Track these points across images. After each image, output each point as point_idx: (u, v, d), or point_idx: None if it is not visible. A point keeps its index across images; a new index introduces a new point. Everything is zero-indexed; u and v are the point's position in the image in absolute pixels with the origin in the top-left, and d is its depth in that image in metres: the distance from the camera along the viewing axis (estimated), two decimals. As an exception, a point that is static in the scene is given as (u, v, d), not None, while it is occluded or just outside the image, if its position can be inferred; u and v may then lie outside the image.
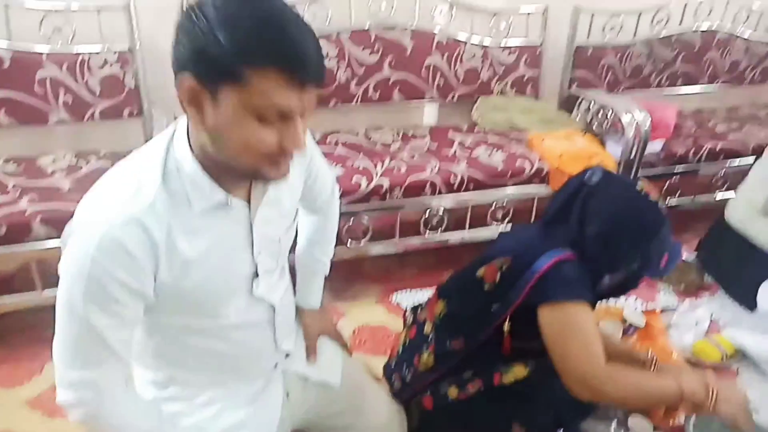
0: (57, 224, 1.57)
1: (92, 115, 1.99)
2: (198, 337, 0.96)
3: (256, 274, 0.96)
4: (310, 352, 1.20)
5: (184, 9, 0.74)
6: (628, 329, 1.62)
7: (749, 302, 2.00)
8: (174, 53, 0.74)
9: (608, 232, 1.18)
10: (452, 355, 1.30)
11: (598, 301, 1.36)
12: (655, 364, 1.40)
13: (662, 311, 1.93)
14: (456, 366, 1.31)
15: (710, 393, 1.12)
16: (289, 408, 1.12)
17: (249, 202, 0.91)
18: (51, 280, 1.64)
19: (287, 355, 1.12)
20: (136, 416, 0.92)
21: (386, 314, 1.94)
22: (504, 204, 2.11)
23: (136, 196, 0.79)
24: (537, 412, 1.29)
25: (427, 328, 1.38)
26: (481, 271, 1.27)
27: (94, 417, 0.86)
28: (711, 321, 1.88)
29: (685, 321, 1.84)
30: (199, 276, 0.87)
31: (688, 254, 2.30)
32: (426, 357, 1.35)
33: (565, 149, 2.16)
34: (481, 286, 1.26)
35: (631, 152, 2.21)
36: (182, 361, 0.99)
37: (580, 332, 1.13)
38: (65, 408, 0.86)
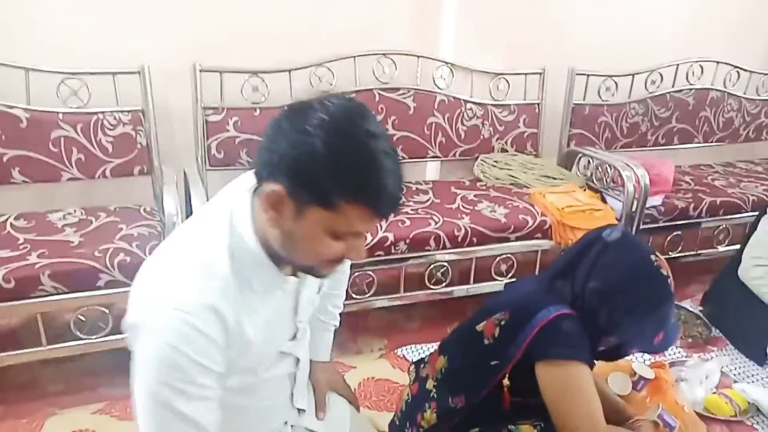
0: (65, 278, 1.58)
1: (104, 172, 2.04)
2: (227, 394, 0.93)
3: (295, 336, 1.01)
4: (320, 406, 1.19)
5: (289, 114, 0.77)
6: (637, 383, 1.59)
7: (758, 356, 1.98)
8: (266, 157, 0.77)
9: (609, 291, 1.16)
10: (454, 413, 1.28)
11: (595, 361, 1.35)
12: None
13: (671, 365, 1.90)
14: (460, 423, 1.28)
15: None
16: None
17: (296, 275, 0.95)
18: (54, 333, 1.64)
19: (299, 411, 1.12)
20: None
21: (391, 368, 1.92)
22: (508, 257, 2.13)
23: (209, 282, 0.80)
24: None
25: (429, 384, 1.36)
26: (480, 326, 1.26)
27: None
28: (721, 374, 1.85)
29: (695, 375, 1.81)
30: (255, 350, 0.89)
31: (692, 306, 2.30)
32: (429, 414, 1.32)
33: (567, 203, 2.19)
34: (481, 340, 1.25)
35: (631, 206, 2.25)
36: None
37: (580, 393, 1.13)
38: None
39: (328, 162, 0.73)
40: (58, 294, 1.59)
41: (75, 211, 1.95)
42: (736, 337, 2.09)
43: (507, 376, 1.22)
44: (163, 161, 2.11)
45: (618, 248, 1.20)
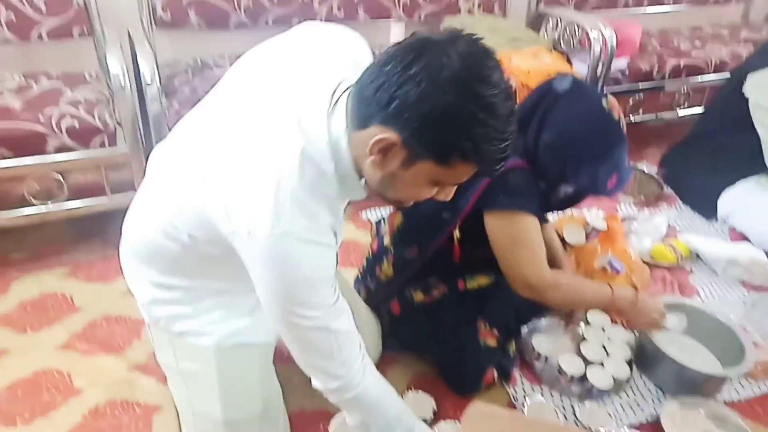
0: (10, 143, 1.51)
1: (39, 34, 1.88)
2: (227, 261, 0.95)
3: None
4: None
5: (420, 57, 0.71)
6: (590, 233, 1.67)
7: (708, 212, 2.08)
8: (384, 98, 0.72)
9: (561, 143, 1.17)
10: (409, 264, 1.34)
11: (549, 213, 1.39)
12: None
13: (623, 221, 1.99)
14: (416, 275, 1.34)
15: (636, 301, 1.28)
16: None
17: None
18: (9, 202, 1.60)
19: None
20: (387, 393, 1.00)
21: (356, 230, 1.96)
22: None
23: (322, 203, 0.82)
24: (500, 310, 1.34)
25: (387, 240, 1.41)
26: None
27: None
28: (668, 227, 1.95)
29: (644, 228, 1.91)
30: None
31: (648, 167, 2.37)
32: (386, 267, 1.38)
33: (533, 66, 2.14)
34: None
35: (597, 69, 2.21)
36: (199, 272, 1.01)
37: (527, 242, 1.18)
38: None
39: (457, 124, 0.72)
40: (5, 159, 1.53)
41: (14, 76, 1.83)
42: (688, 194, 2.18)
43: (458, 228, 1.26)
44: (105, 22, 1.95)
45: (568, 98, 1.19)
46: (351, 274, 1.55)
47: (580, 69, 2.25)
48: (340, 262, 1.78)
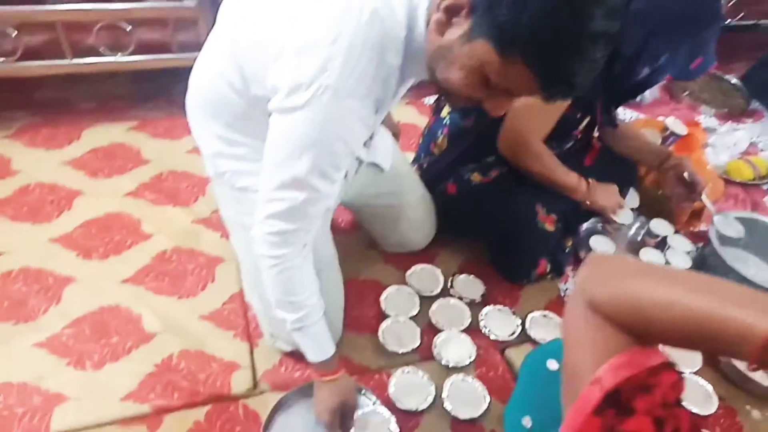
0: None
1: None
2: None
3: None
4: (394, 130, 1.21)
5: None
6: (667, 138, 1.58)
7: None
8: None
9: (650, 10, 1.05)
10: (464, 135, 1.29)
11: (620, 101, 1.30)
12: None
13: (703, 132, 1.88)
14: (472, 150, 1.30)
15: (588, 189, 1.26)
16: (344, 185, 1.14)
17: None
18: (78, 49, 1.61)
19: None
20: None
21: (417, 115, 1.91)
22: None
23: (378, 72, 0.77)
24: (559, 196, 1.30)
25: (444, 112, 1.36)
26: None
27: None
28: (750, 144, 1.83)
29: (723, 141, 1.79)
30: None
31: (735, 79, 2.19)
32: (441, 140, 1.35)
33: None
34: None
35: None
36: (263, 131, 0.99)
37: (545, 111, 1.14)
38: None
39: (537, 14, 0.63)
40: (76, 2, 1.52)
41: None
42: None
43: None
44: None
45: None
46: (409, 158, 1.53)
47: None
48: (400, 145, 1.77)
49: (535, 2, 0.62)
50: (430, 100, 1.97)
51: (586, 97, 1.19)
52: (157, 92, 1.82)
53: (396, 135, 1.35)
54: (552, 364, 0.89)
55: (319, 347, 0.98)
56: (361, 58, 0.75)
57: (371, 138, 1.05)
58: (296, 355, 1.14)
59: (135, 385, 1.07)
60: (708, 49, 1.10)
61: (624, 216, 1.36)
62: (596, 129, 1.29)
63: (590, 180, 1.29)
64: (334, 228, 1.42)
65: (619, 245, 1.46)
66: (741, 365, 1.18)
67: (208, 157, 1.09)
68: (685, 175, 1.34)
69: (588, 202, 1.29)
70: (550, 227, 1.27)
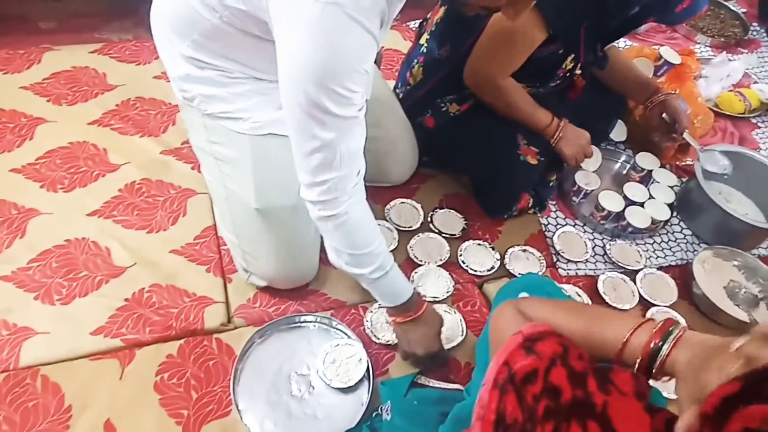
0: None
1: None
2: (265, 43, 0.87)
3: None
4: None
5: None
6: (660, 68, 1.51)
7: None
8: None
9: None
10: (439, 65, 1.22)
11: (602, 43, 1.23)
12: None
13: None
14: (448, 81, 1.23)
15: (558, 130, 1.22)
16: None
17: None
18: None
19: None
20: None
21: (402, 40, 1.82)
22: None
23: (370, 12, 0.73)
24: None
25: (423, 39, 1.28)
26: None
27: None
28: (744, 75, 1.77)
29: (717, 72, 1.73)
30: None
31: (735, 6, 2.10)
32: (416, 69, 1.28)
33: None
34: None
35: None
36: (234, 54, 0.94)
37: (514, 45, 1.09)
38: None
39: None
40: None
41: None
42: None
43: None
44: None
45: None
46: (391, 85, 1.45)
47: None
48: (383, 73, 1.69)
49: None
50: (416, 24, 1.87)
51: (569, 34, 1.11)
52: (122, 13, 1.69)
53: (377, 60, 1.28)
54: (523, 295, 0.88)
55: (400, 290, 0.97)
56: None
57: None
58: (270, 291, 1.13)
59: (105, 320, 1.05)
60: None
61: (589, 163, 1.34)
62: (579, 67, 1.21)
63: (563, 122, 1.23)
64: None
65: (605, 178, 1.44)
66: (712, 296, 1.19)
67: (175, 81, 1.03)
68: (664, 116, 1.30)
69: (553, 144, 1.24)
70: (532, 160, 1.23)
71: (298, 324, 1.08)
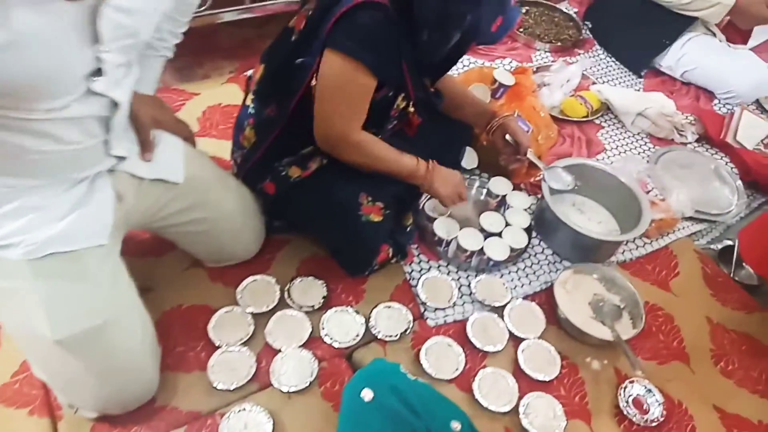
0: None
1: None
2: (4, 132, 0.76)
3: (100, 72, 0.79)
4: (145, 147, 1.00)
5: None
6: (497, 91, 1.52)
7: (636, 65, 1.97)
8: None
9: None
10: (269, 125, 1.15)
11: (431, 77, 1.22)
12: None
13: (537, 70, 1.85)
14: (282, 141, 1.16)
15: (427, 173, 1.18)
16: (123, 211, 0.98)
17: None
18: None
19: (119, 159, 0.95)
20: None
21: (240, 93, 1.70)
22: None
23: None
24: (383, 183, 1.21)
25: (249, 99, 1.20)
26: (292, 21, 1.07)
27: None
28: (582, 77, 1.82)
29: (557, 78, 1.77)
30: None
31: (568, 8, 2.19)
32: (248, 131, 1.20)
33: None
34: (290, 38, 1.08)
35: None
36: None
37: (352, 96, 1.04)
38: None
39: None
40: None
41: None
42: (617, 48, 2.03)
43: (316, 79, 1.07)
44: None
45: None
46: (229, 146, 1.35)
47: None
48: (221, 132, 1.58)
49: None
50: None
51: (391, 74, 1.07)
52: None
53: (188, 138, 1.17)
54: (366, 394, 0.81)
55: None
56: None
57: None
58: (109, 420, 0.99)
59: None
60: (506, 8, 1.01)
61: (462, 209, 1.32)
62: (411, 105, 1.18)
63: (431, 164, 1.19)
64: (141, 250, 1.25)
65: (464, 211, 1.41)
66: (576, 320, 1.20)
67: None
68: (507, 137, 1.30)
69: (426, 188, 1.21)
70: (376, 218, 1.18)
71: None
